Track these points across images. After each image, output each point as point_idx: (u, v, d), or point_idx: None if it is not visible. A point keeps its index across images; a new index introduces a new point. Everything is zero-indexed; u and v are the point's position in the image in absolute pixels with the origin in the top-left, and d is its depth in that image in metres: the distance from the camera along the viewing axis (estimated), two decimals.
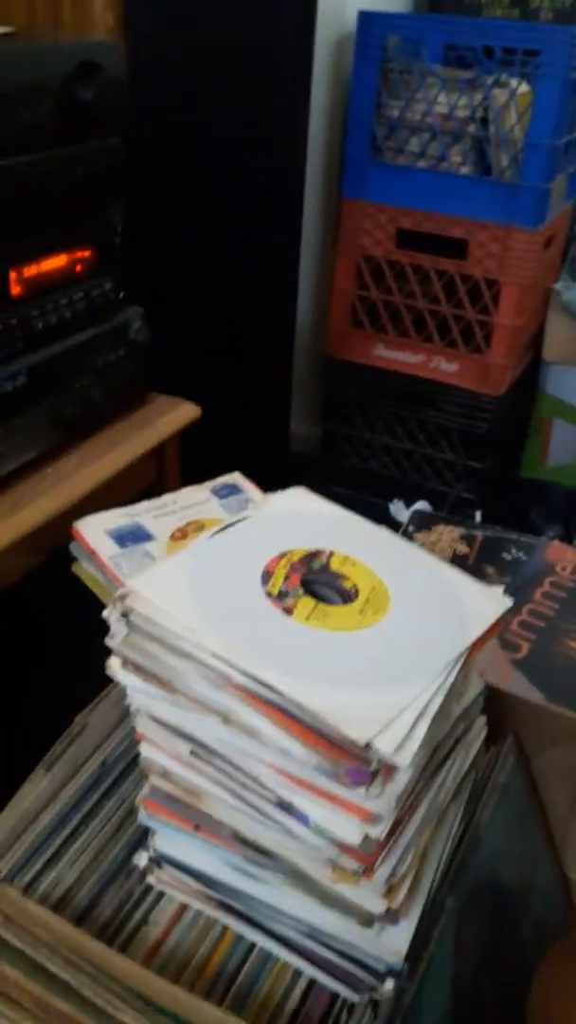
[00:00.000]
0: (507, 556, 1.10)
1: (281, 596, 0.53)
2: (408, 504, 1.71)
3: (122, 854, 0.61)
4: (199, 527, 0.80)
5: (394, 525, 1.67)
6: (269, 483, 1.68)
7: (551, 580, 1.03)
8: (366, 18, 1.38)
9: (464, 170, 1.40)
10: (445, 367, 1.55)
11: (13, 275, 0.77)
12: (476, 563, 1.08)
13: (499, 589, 0.59)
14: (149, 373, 0.97)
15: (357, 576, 0.57)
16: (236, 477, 0.88)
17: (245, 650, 0.48)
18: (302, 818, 0.51)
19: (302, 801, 0.51)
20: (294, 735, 0.48)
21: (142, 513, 0.81)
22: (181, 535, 0.79)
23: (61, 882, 0.59)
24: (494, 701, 0.78)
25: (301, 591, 0.54)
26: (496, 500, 1.68)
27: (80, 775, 0.66)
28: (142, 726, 0.55)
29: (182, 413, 0.98)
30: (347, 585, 0.56)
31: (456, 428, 1.59)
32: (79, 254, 0.82)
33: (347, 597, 0.55)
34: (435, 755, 0.57)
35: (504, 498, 1.71)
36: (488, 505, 1.65)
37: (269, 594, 0.53)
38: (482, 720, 0.68)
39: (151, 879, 0.60)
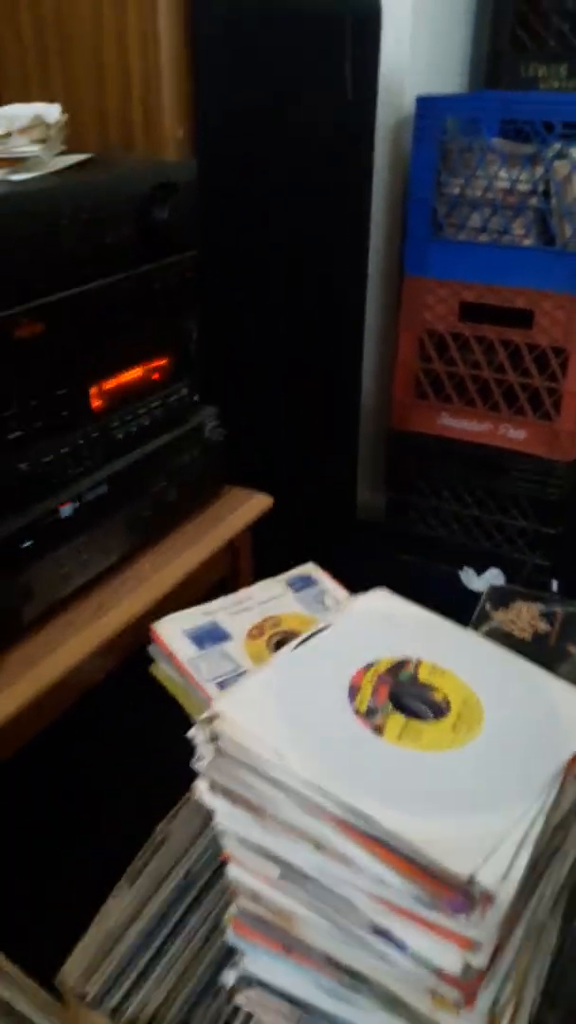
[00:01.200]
0: None
1: (370, 713, 0.52)
2: (479, 572, 1.69)
3: (209, 972, 0.60)
4: (276, 623, 0.79)
5: (466, 593, 1.64)
6: (338, 553, 1.67)
7: None
8: (424, 103, 1.41)
9: (527, 242, 1.40)
10: (513, 434, 1.53)
11: (94, 390, 0.79)
12: (559, 642, 1.05)
13: None
14: (226, 469, 0.98)
15: (447, 686, 0.55)
16: (310, 568, 0.88)
17: (337, 777, 0.47)
18: (399, 945, 0.49)
19: (399, 928, 0.49)
20: (392, 866, 0.46)
21: (218, 611, 0.81)
22: (258, 632, 0.79)
23: (149, 1004, 0.58)
24: None
25: (390, 706, 0.53)
26: (573, 565, 1.64)
27: (164, 888, 0.65)
28: (230, 847, 0.54)
29: (254, 505, 0.99)
30: (438, 697, 0.55)
31: (526, 494, 1.56)
32: (156, 363, 0.85)
33: (438, 711, 0.54)
34: (534, 871, 0.55)
35: None
36: (565, 571, 1.61)
37: (358, 711, 0.52)
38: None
39: (240, 999, 0.58)
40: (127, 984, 0.58)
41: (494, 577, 1.64)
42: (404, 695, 0.55)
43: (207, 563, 0.89)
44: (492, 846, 0.46)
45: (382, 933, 0.49)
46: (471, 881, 0.44)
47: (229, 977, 0.58)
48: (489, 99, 1.44)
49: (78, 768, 1.23)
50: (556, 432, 1.48)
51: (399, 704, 0.54)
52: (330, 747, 0.49)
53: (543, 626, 1.08)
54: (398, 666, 0.56)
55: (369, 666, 0.56)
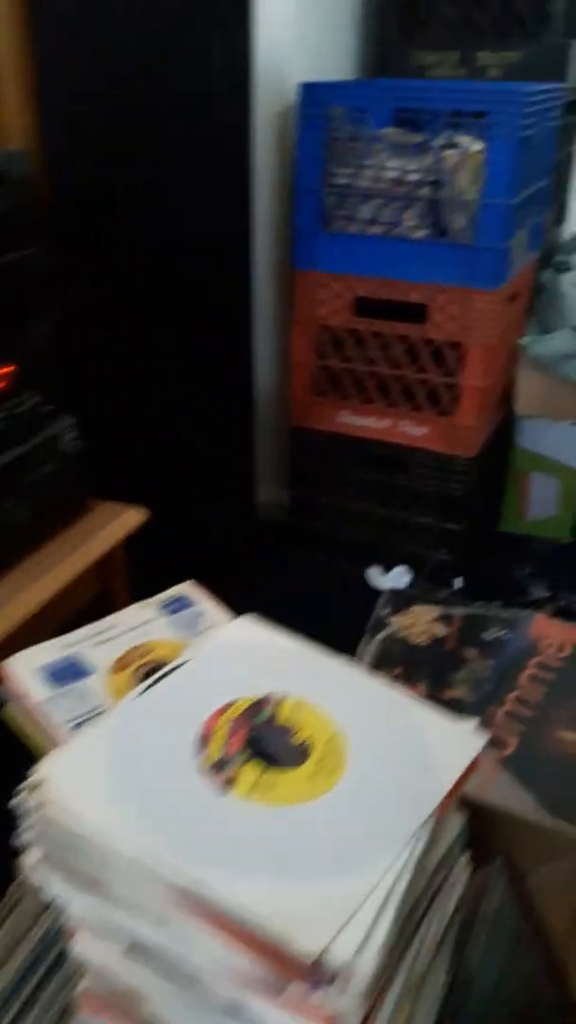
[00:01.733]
0: (488, 636, 1.04)
1: (221, 766, 0.47)
2: (386, 570, 1.66)
3: None
4: (144, 652, 0.73)
5: (373, 593, 1.61)
6: (241, 556, 1.61)
7: (536, 661, 0.97)
8: (308, 90, 1.36)
9: (419, 234, 1.37)
10: (413, 431, 1.50)
11: None
12: (456, 647, 1.02)
13: (470, 725, 0.53)
14: (86, 483, 0.91)
15: (311, 725, 0.51)
16: (187, 588, 0.82)
17: (173, 847, 0.41)
18: (255, 1023, 0.44)
19: (255, 1005, 0.44)
20: (236, 943, 0.41)
21: (81, 642, 0.75)
22: (124, 664, 0.73)
23: None
24: (480, 818, 0.72)
25: (245, 754, 0.48)
26: (477, 560, 1.63)
27: (17, 955, 0.58)
28: (72, 920, 0.48)
29: (126, 520, 0.92)
30: (299, 739, 0.50)
31: (430, 491, 1.54)
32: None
33: (298, 755, 0.49)
34: (409, 919, 0.51)
35: (486, 557, 1.66)
36: (469, 566, 1.59)
37: (206, 764, 0.47)
38: (464, 858, 0.61)
39: None
40: None
41: (401, 575, 1.61)
42: (262, 739, 0.50)
43: (71, 587, 0.83)
44: (347, 913, 0.41)
45: (237, 1011, 0.44)
46: (320, 959, 0.39)
47: None
48: (376, 87, 1.41)
49: None
50: (456, 428, 1.46)
51: (257, 749, 0.49)
52: (168, 812, 0.43)
53: (441, 630, 1.05)
54: (258, 706, 0.51)
55: (226, 708, 0.51)
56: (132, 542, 0.94)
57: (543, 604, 1.40)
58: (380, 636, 1.04)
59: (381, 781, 0.47)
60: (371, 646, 1.03)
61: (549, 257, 1.67)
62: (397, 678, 0.97)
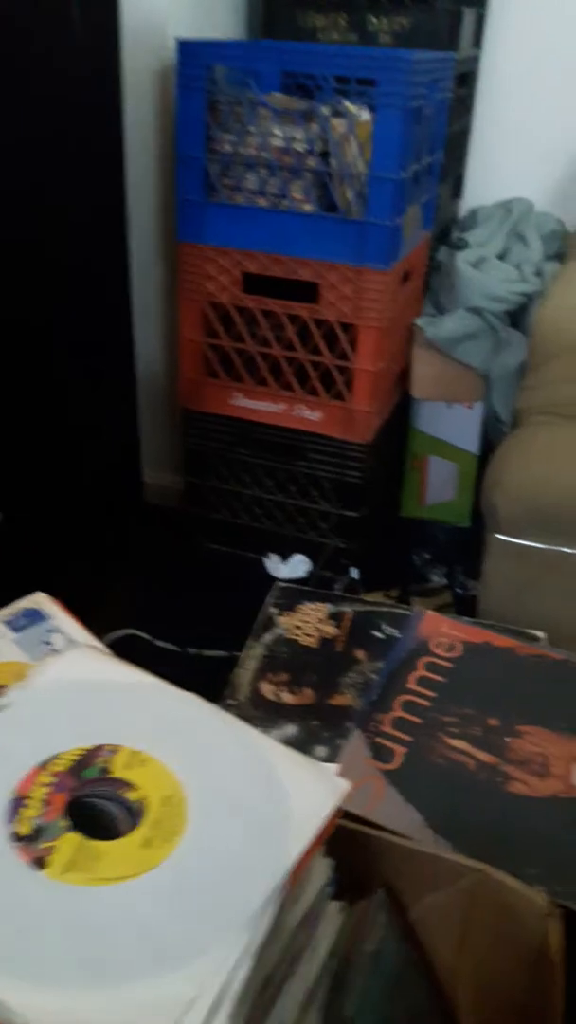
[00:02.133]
0: (378, 634, 0.99)
1: (33, 838, 0.39)
2: (284, 558, 1.60)
3: None
4: None
5: (269, 581, 1.55)
6: (131, 543, 1.50)
7: (426, 661, 0.92)
8: (186, 48, 1.26)
9: (307, 208, 1.30)
10: (308, 415, 1.44)
11: None
12: (346, 648, 0.97)
13: (332, 769, 0.47)
14: None
15: (147, 781, 0.44)
16: (37, 599, 0.73)
17: None
18: None
19: None
20: None
21: None
22: None
23: None
24: (359, 845, 0.66)
25: (65, 822, 0.41)
26: (376, 547, 1.58)
27: None
28: None
29: None
30: (133, 797, 0.43)
31: (327, 478, 1.48)
32: None
33: (129, 819, 0.42)
34: (264, 992, 0.44)
35: (384, 543, 1.62)
36: (368, 553, 1.55)
37: (17, 836, 0.39)
38: (335, 906, 0.56)
39: None
40: None
41: (299, 564, 1.56)
42: (88, 801, 0.43)
43: None
44: (174, 1018, 0.34)
45: None
46: None
47: None
48: (260, 48, 1.32)
49: None
50: (350, 412, 1.40)
51: (80, 815, 0.41)
52: None
53: (331, 629, 1.00)
54: (86, 759, 0.44)
55: (46, 763, 0.43)
56: None
57: (440, 592, 1.37)
58: (267, 638, 0.98)
59: (223, 847, 0.41)
60: (257, 649, 0.96)
61: (445, 234, 1.63)
62: (282, 685, 0.91)
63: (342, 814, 0.46)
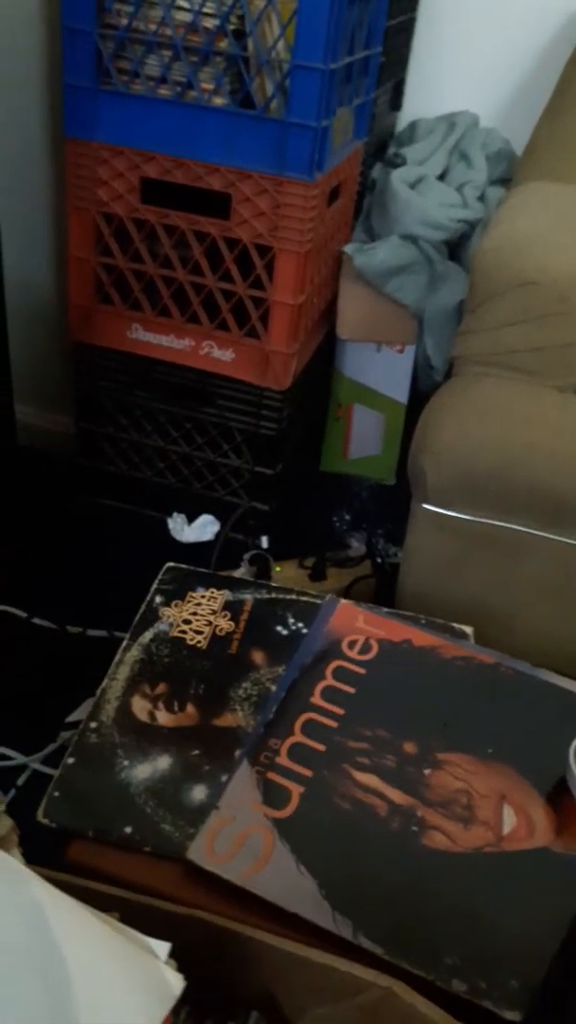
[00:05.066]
0: (282, 629, 0.82)
1: None
2: (191, 519, 1.42)
3: None
4: None
5: (172, 544, 1.37)
6: (4, 495, 1.24)
7: (336, 666, 0.76)
8: None
9: (218, 101, 1.08)
10: (218, 355, 1.24)
11: None
12: (241, 649, 0.80)
13: (163, 953, 0.30)
14: None
15: None
16: None
17: None
18: None
19: None
20: None
21: None
22: None
23: None
24: (234, 946, 0.51)
25: None
26: (292, 507, 1.42)
27: None
28: None
29: None
30: None
31: (239, 428, 1.30)
32: None
33: None
34: None
35: (302, 503, 1.46)
36: (283, 514, 1.38)
37: None
38: None
39: None
40: None
41: (206, 525, 1.38)
42: None
43: None
44: None
45: None
46: None
47: None
48: None
49: None
50: (265, 353, 1.21)
51: None
52: None
53: (225, 624, 0.82)
54: None
55: None
56: None
57: (360, 562, 1.21)
58: (147, 636, 0.80)
59: None
60: (133, 651, 0.78)
61: (381, 149, 1.42)
62: (159, 699, 0.73)
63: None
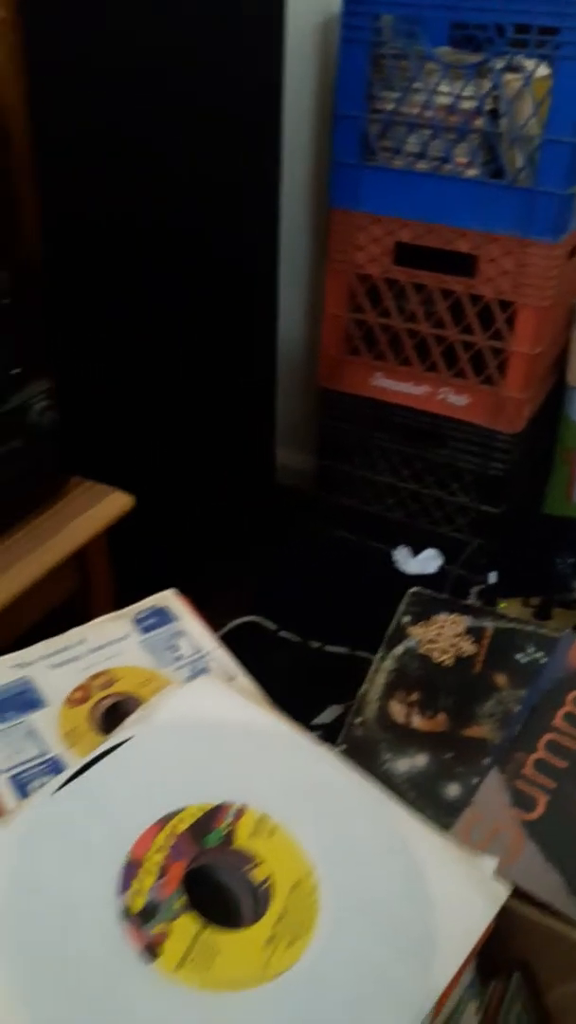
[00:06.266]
0: (522, 657, 0.89)
1: (147, 916, 0.34)
2: (415, 552, 1.52)
3: None
4: (108, 681, 0.61)
5: (397, 575, 1.47)
6: (258, 525, 1.43)
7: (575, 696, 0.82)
8: None
9: (471, 173, 1.18)
10: (454, 400, 1.34)
11: None
12: (484, 669, 0.88)
13: (490, 868, 0.40)
14: (61, 460, 0.77)
15: (275, 857, 0.38)
16: (168, 598, 0.69)
17: None
18: None
19: None
20: None
21: (35, 662, 0.62)
22: (83, 696, 0.60)
23: None
24: (502, 915, 0.59)
25: (181, 901, 0.35)
26: (516, 547, 1.47)
27: None
28: None
29: (108, 507, 0.78)
30: (257, 876, 0.37)
31: (468, 469, 1.38)
32: None
33: (254, 906, 0.36)
34: None
35: (525, 544, 1.51)
36: (507, 554, 1.44)
37: (128, 912, 0.34)
38: (473, 1005, 0.49)
39: None
40: None
41: (430, 559, 1.47)
42: (207, 876, 0.37)
43: (39, 585, 0.70)
44: None
45: None
46: None
47: None
48: None
49: None
50: (501, 399, 1.29)
51: (198, 894, 0.36)
52: (61, 994, 0.31)
53: (468, 647, 0.91)
54: (208, 820, 0.39)
55: (166, 821, 0.38)
56: (121, 525, 0.80)
57: None
58: (399, 650, 0.90)
59: (360, 962, 0.34)
60: (387, 662, 0.89)
61: None
62: (414, 705, 0.83)
63: (490, 932, 0.39)
